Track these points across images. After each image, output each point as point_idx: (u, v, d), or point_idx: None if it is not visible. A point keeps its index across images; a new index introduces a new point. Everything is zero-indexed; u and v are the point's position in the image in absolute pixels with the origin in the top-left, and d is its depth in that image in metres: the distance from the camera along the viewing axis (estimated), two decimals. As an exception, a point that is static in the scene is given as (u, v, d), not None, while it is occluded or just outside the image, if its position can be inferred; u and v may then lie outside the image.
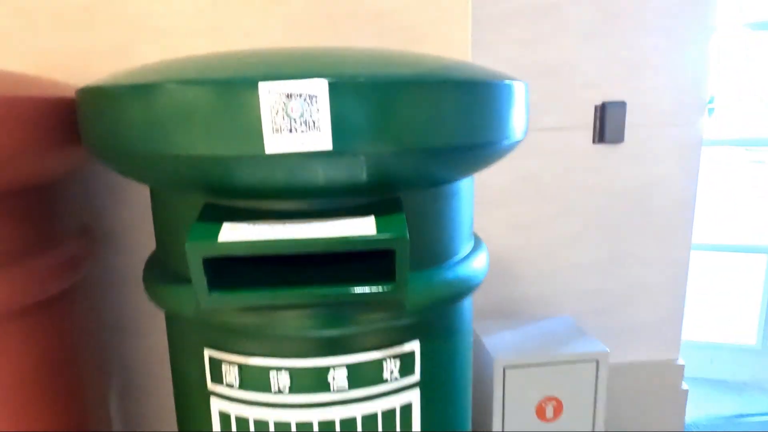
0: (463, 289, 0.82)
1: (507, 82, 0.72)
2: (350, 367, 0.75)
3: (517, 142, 0.79)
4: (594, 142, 2.06)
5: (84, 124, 0.75)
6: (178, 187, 0.73)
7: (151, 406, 1.41)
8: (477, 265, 0.86)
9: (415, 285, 0.74)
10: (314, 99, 0.58)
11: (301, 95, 0.58)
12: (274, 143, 0.59)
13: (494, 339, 1.82)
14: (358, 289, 0.66)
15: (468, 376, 0.95)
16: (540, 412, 1.73)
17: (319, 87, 0.58)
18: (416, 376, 0.80)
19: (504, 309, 2.15)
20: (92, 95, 0.70)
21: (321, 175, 0.63)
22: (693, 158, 2.08)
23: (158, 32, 1.16)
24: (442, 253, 0.81)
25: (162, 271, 0.83)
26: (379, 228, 0.64)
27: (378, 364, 0.76)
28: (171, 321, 0.87)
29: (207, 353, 0.78)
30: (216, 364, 0.78)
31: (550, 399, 1.72)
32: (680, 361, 2.24)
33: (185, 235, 0.65)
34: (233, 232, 0.65)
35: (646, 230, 2.14)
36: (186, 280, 0.75)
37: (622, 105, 2.02)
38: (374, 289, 0.66)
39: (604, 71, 2.00)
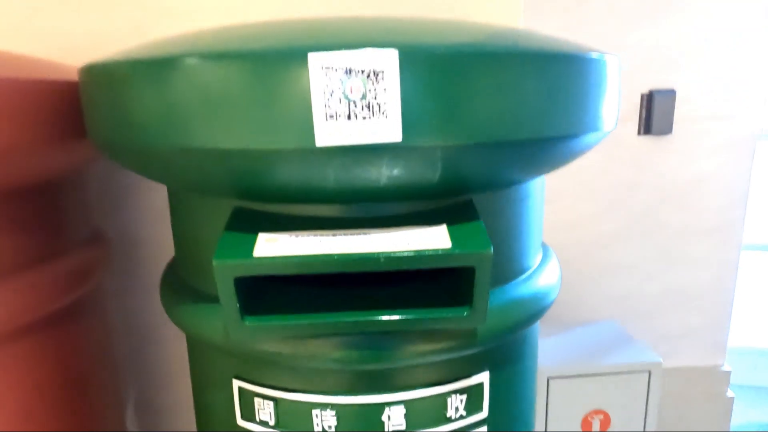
0: (540, 307, 0.69)
1: (606, 56, 0.58)
2: (408, 405, 0.62)
3: (608, 133, 0.65)
4: (639, 133, 1.94)
5: (88, 111, 0.62)
6: (202, 189, 0.60)
7: (169, 421, 1.31)
8: (551, 277, 0.73)
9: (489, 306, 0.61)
10: (380, 75, 0.44)
11: (363, 71, 0.44)
12: (328, 133, 0.46)
13: (536, 347, 1.70)
14: (428, 315, 0.53)
15: (533, 405, 0.82)
16: (586, 426, 1.63)
17: (388, 59, 0.44)
18: (484, 413, 0.67)
19: (541, 312, 2.03)
20: (97, 75, 0.57)
21: (384, 174, 0.49)
22: (747, 152, 1.95)
23: (176, 12, 1.04)
24: (516, 266, 0.67)
25: (182, 286, 0.70)
26: (455, 240, 0.51)
27: (441, 401, 0.63)
28: (194, 344, 0.75)
29: (236, 384, 0.66)
30: (247, 398, 0.65)
31: (597, 412, 1.62)
32: (726, 367, 2.14)
33: (210, 247, 0.52)
34: (271, 245, 0.52)
35: (694, 229, 2.03)
36: (211, 298, 0.63)
37: (671, 93, 1.89)
38: (448, 314, 0.53)
39: (652, 57, 1.87)
